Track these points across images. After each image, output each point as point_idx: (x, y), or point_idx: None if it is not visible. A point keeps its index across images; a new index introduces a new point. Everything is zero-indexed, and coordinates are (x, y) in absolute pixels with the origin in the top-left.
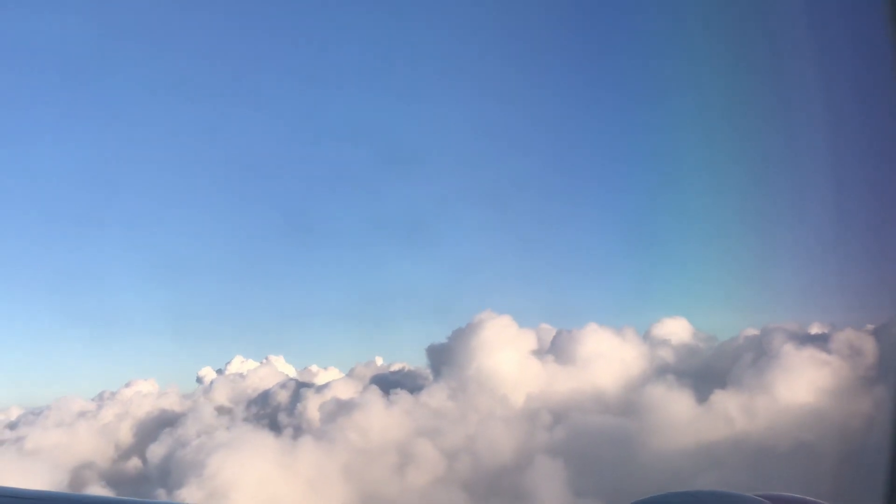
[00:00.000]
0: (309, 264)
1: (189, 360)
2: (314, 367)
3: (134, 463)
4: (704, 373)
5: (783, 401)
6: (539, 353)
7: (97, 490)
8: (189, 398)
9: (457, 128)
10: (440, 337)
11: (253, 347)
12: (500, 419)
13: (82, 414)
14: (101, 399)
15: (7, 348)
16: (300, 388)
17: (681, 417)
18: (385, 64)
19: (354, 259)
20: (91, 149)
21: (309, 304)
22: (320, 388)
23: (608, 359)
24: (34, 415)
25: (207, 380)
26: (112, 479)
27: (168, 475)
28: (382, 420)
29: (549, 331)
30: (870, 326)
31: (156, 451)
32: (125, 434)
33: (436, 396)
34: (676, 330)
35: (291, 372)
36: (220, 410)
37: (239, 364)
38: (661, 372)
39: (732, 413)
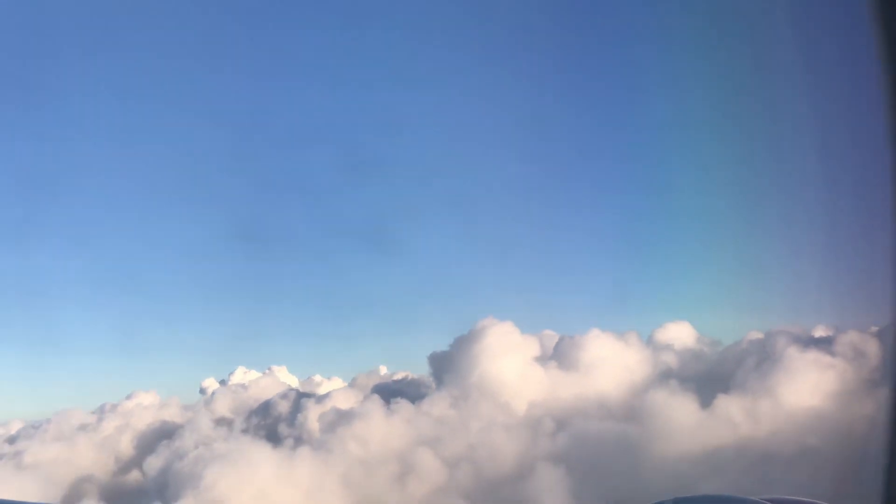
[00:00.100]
0: (312, 274)
1: (194, 372)
2: (317, 377)
3: (134, 476)
4: (708, 377)
5: (787, 404)
6: (542, 359)
7: None
8: (190, 409)
9: (455, 130)
10: (445, 344)
11: (256, 358)
12: (502, 427)
13: (83, 427)
14: (101, 411)
15: (9, 361)
16: (300, 398)
17: (685, 423)
18: (380, 57)
19: (357, 268)
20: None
21: (312, 314)
22: (320, 399)
23: (611, 364)
24: (34, 428)
25: (210, 391)
26: (111, 492)
27: (165, 488)
28: (382, 429)
29: (551, 337)
30: (874, 328)
31: (153, 464)
32: (125, 446)
33: (437, 405)
34: (680, 334)
35: (294, 382)
36: (221, 422)
37: (241, 375)
38: (664, 377)
39: (736, 417)
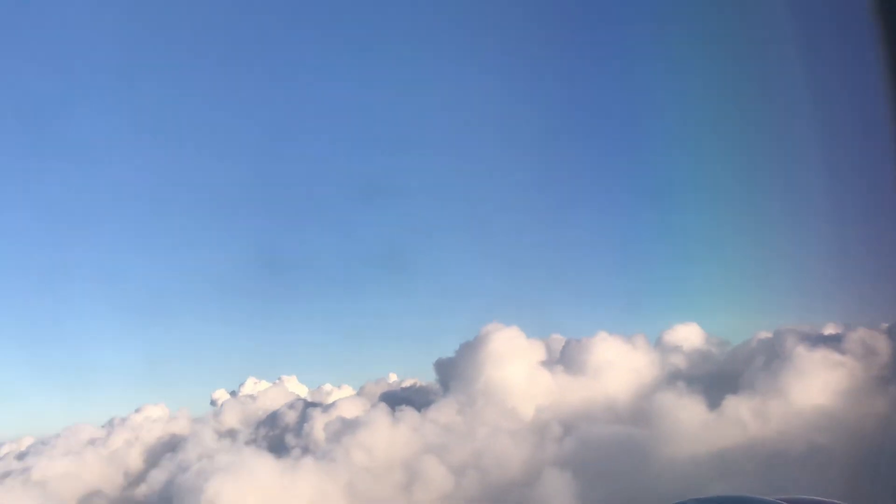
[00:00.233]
0: (321, 285)
1: (206, 383)
2: (327, 387)
3: (142, 490)
4: (717, 378)
5: (797, 404)
6: (548, 363)
7: None
8: (200, 422)
9: (456, 136)
10: (454, 350)
11: (267, 368)
12: (508, 432)
13: (92, 441)
14: (111, 425)
15: (21, 377)
16: (307, 408)
17: (693, 424)
18: (394, 58)
19: (366, 277)
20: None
21: (322, 323)
22: (327, 408)
23: (619, 367)
24: (43, 444)
25: (221, 402)
26: None
27: (169, 502)
28: (387, 438)
29: (558, 341)
30: (884, 325)
31: (157, 478)
32: (134, 460)
33: (443, 412)
34: (688, 336)
35: (304, 392)
36: (227, 433)
37: (252, 385)
38: (673, 379)
39: (746, 418)
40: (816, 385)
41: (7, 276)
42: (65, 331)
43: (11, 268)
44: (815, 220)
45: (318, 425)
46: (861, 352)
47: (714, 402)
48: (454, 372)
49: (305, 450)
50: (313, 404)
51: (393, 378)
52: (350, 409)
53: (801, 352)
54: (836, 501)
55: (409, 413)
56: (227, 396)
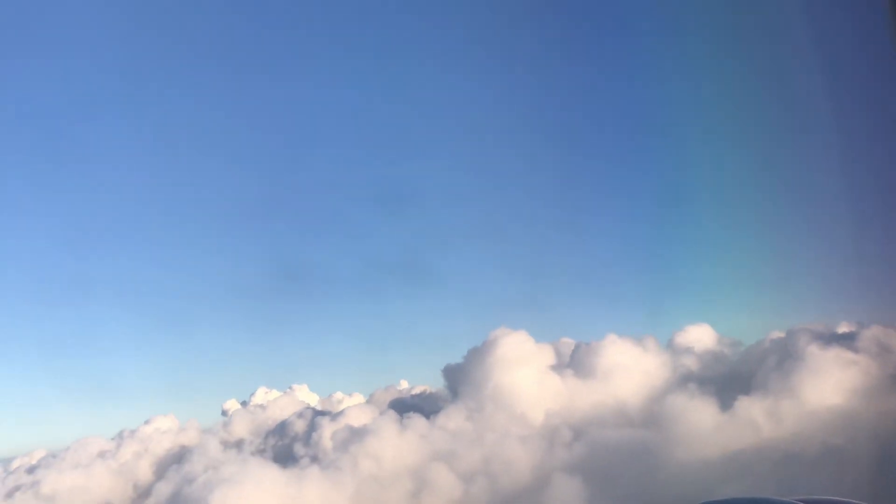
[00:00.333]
0: (331, 292)
1: (218, 393)
2: (338, 395)
3: (151, 502)
4: (730, 379)
5: (810, 404)
6: (558, 367)
7: None
8: (208, 432)
9: (463, 143)
10: (461, 357)
11: (279, 378)
12: (518, 438)
13: (102, 454)
14: (120, 438)
15: (35, 390)
16: (316, 416)
17: (705, 427)
18: (393, 68)
19: (375, 284)
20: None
21: (333, 332)
22: (335, 416)
23: (629, 370)
24: (54, 457)
25: (232, 412)
26: None
27: None
28: (394, 445)
29: (567, 344)
30: None
31: (163, 490)
32: (144, 472)
33: (452, 418)
34: (700, 337)
35: (315, 401)
36: (237, 444)
37: (263, 395)
38: (684, 381)
39: (758, 419)
40: (830, 385)
41: (19, 289)
42: (79, 343)
43: (23, 280)
44: (828, 218)
45: (327, 434)
46: (875, 350)
47: (727, 404)
48: (463, 378)
49: (314, 459)
50: (322, 413)
51: (404, 385)
52: (358, 418)
53: (815, 351)
54: (853, 501)
55: (416, 420)
56: (238, 406)
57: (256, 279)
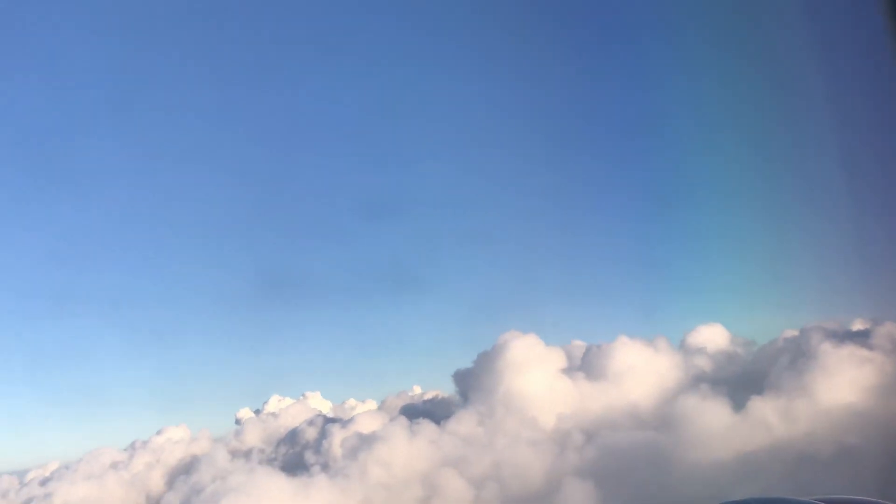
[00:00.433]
0: (344, 299)
1: (232, 402)
2: (351, 401)
3: None
4: (744, 379)
5: (825, 403)
6: (569, 370)
7: None
8: (220, 441)
9: (468, 143)
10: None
11: (292, 385)
12: (529, 442)
13: (114, 465)
14: (132, 448)
15: (48, 404)
16: (326, 424)
17: (719, 427)
18: (392, 73)
19: (388, 290)
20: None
21: (346, 339)
22: (346, 423)
23: (641, 372)
24: (66, 469)
25: (244, 421)
26: None
27: None
28: (404, 452)
29: (578, 347)
30: None
31: (172, 501)
32: (156, 483)
33: (463, 423)
34: (713, 337)
35: (328, 407)
36: (247, 453)
37: (276, 403)
38: (697, 382)
39: (771, 419)
40: (845, 383)
41: (31, 302)
42: (94, 355)
43: (35, 293)
44: (840, 214)
45: (337, 442)
46: (890, 347)
47: (740, 404)
48: (473, 382)
49: (324, 467)
50: (332, 420)
51: (417, 391)
52: (368, 424)
53: (828, 349)
54: (873, 499)
55: (426, 426)
56: (252, 415)
57: (272, 288)
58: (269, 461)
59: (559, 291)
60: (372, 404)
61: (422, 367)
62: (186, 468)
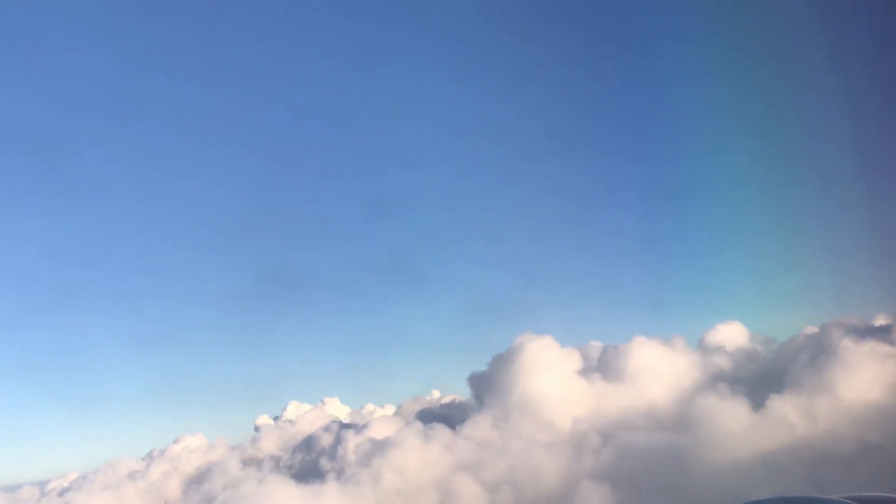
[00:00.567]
0: (360, 304)
1: (252, 409)
2: (370, 406)
3: None
4: (764, 377)
5: (846, 400)
6: (585, 371)
7: None
8: (237, 449)
9: (480, 145)
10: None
11: (311, 391)
12: (545, 446)
13: (131, 474)
14: (150, 458)
15: (70, 413)
16: (342, 430)
17: (739, 427)
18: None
19: (405, 294)
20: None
21: (364, 344)
22: (360, 429)
23: (658, 372)
24: (84, 479)
25: (263, 428)
26: None
27: None
28: (418, 457)
29: (595, 348)
30: None
31: None
32: (173, 491)
33: (478, 427)
34: (732, 335)
35: (344, 413)
36: (259, 460)
37: (294, 409)
38: (716, 381)
39: (792, 418)
40: (867, 379)
41: (48, 315)
42: (115, 366)
43: (51, 306)
44: (860, 209)
45: (351, 447)
46: None
47: (760, 403)
48: (488, 386)
49: (339, 473)
50: (348, 426)
51: (435, 395)
52: (383, 430)
53: (850, 345)
54: None
55: (440, 431)
56: (270, 422)
57: (292, 295)
58: (286, 468)
59: (575, 292)
60: (391, 409)
61: (440, 371)
62: (203, 476)
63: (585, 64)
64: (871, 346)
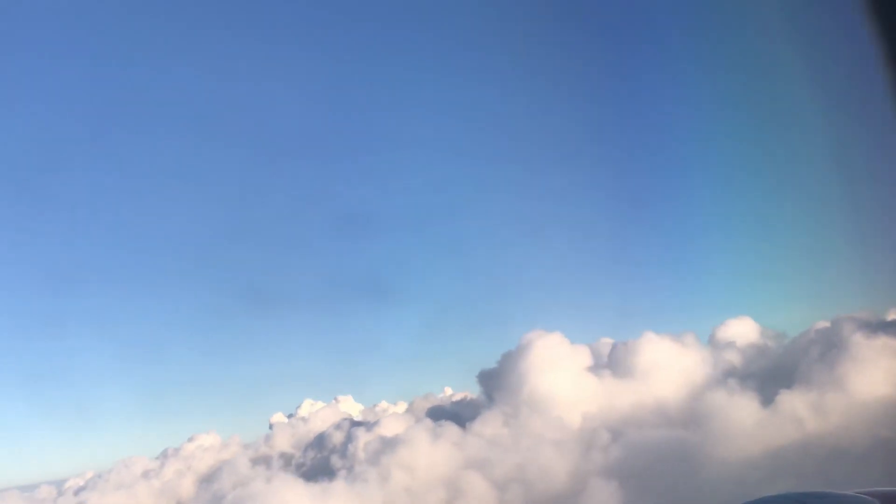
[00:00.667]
0: (374, 302)
1: (267, 407)
2: (383, 404)
3: None
4: (775, 373)
5: (858, 395)
6: (595, 368)
7: None
8: (250, 447)
9: (489, 143)
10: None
11: (327, 389)
12: (554, 443)
13: (145, 473)
14: (164, 457)
15: (89, 411)
16: (352, 427)
17: (749, 423)
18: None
19: (416, 292)
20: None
21: (379, 341)
22: (370, 427)
23: (668, 368)
24: (99, 477)
25: (276, 426)
26: None
27: None
28: (426, 454)
29: (605, 344)
30: None
31: None
32: (187, 490)
33: (487, 424)
34: (742, 330)
35: (358, 411)
36: (268, 459)
37: (309, 407)
38: (726, 377)
39: (802, 414)
40: (879, 375)
41: (59, 314)
42: (134, 366)
43: (62, 307)
44: (872, 201)
45: (361, 445)
46: None
47: (771, 399)
48: (497, 383)
49: (350, 471)
50: (358, 423)
51: (448, 392)
52: (393, 427)
53: (861, 340)
54: None
55: (449, 428)
56: (285, 420)
57: (308, 294)
58: (297, 466)
59: (585, 289)
60: (404, 407)
61: (453, 368)
62: (215, 475)
63: (588, 59)
64: (884, 342)
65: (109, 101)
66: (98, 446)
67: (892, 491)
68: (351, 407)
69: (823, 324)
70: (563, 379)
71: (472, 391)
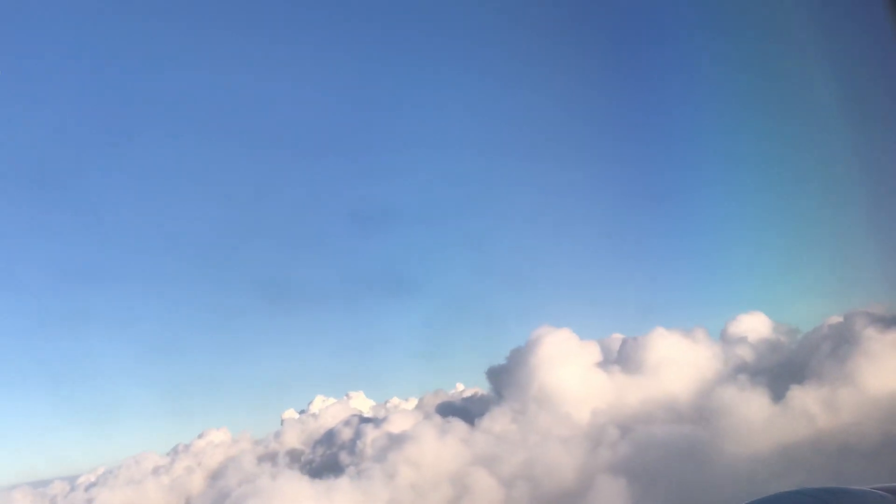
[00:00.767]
0: (385, 299)
1: (279, 403)
2: (394, 400)
3: None
4: (787, 369)
5: (870, 391)
6: (604, 364)
7: None
8: (260, 444)
9: (493, 140)
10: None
11: (339, 385)
12: (563, 439)
13: (155, 470)
14: (175, 453)
15: (102, 407)
16: (361, 423)
17: (760, 419)
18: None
19: (427, 288)
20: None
21: (390, 337)
22: (379, 423)
23: (679, 364)
24: (110, 474)
25: (286, 422)
26: None
27: None
28: (434, 450)
29: (616, 340)
30: None
31: None
32: (197, 486)
33: (496, 421)
34: (754, 325)
35: (368, 407)
36: (278, 455)
37: (320, 403)
38: (738, 372)
39: (813, 409)
40: (891, 370)
41: (73, 311)
42: (147, 362)
43: (75, 302)
44: (885, 193)
45: (369, 441)
46: None
47: (783, 395)
48: (507, 379)
49: (358, 467)
50: (367, 420)
51: (459, 388)
52: (401, 423)
53: (874, 335)
54: None
55: (457, 425)
56: (296, 416)
57: (320, 290)
58: (306, 463)
59: (594, 284)
60: (413, 403)
61: (465, 364)
62: (225, 471)
63: (605, 55)
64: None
65: (130, 101)
66: (111, 443)
67: None
68: (362, 403)
69: (836, 318)
70: (573, 375)
71: (483, 387)
